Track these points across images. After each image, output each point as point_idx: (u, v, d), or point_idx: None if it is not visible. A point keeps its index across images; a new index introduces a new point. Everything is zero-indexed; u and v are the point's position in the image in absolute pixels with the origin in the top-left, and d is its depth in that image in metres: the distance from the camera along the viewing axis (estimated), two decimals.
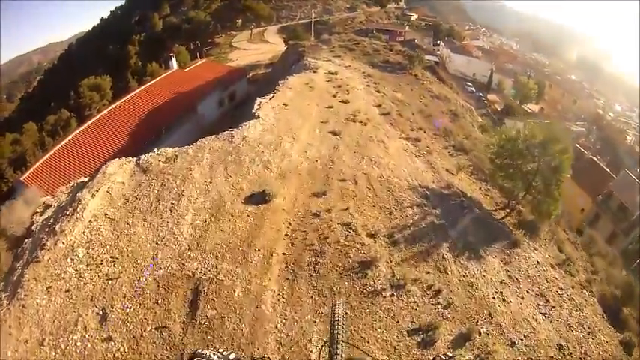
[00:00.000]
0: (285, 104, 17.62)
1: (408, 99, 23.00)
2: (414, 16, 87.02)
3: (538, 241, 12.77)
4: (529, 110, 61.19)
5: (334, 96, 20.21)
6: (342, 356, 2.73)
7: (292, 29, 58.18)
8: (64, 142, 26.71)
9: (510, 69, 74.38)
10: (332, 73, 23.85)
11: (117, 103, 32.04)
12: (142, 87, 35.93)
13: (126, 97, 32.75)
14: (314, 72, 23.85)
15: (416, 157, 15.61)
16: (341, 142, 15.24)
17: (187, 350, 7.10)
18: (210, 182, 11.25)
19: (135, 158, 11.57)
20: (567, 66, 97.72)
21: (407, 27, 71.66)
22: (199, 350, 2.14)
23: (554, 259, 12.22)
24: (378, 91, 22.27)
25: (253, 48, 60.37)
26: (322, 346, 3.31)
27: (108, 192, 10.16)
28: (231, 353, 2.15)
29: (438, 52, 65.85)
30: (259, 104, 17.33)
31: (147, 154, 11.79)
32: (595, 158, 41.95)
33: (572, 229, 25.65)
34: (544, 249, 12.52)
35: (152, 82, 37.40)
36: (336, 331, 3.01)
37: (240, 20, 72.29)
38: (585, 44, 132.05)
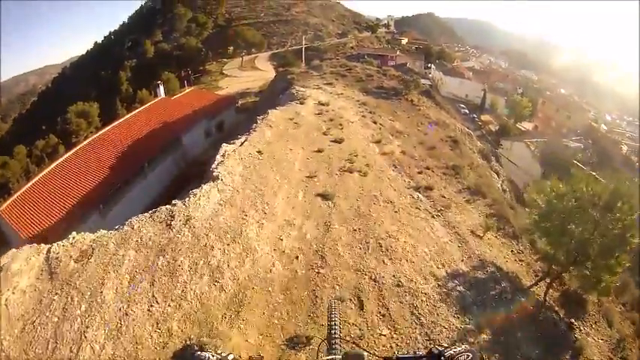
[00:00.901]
0: (259, 152, 13.52)
1: (406, 128, 20.54)
2: (405, 40, 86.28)
3: (587, 318, 9.94)
4: (523, 129, 59.33)
5: (325, 134, 16.68)
6: (340, 351, 2.51)
7: (283, 56, 56.60)
8: (44, 173, 24.84)
9: (501, 88, 73.09)
10: (322, 104, 20.69)
11: (100, 132, 30.18)
12: (126, 116, 34.23)
13: (109, 127, 30.91)
14: (301, 103, 20.51)
15: (433, 216, 12.06)
16: (335, 213, 11.00)
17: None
18: (126, 314, 6.95)
19: (46, 247, 8.04)
20: (557, 80, 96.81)
21: (398, 51, 70.42)
22: (197, 353, 1.79)
23: (608, 343, 9.43)
24: (375, 122, 19.45)
25: (244, 75, 58.60)
26: (320, 343, 2.98)
27: (5, 305, 6.74)
28: (229, 354, 1.88)
29: (430, 75, 64.42)
30: (224, 155, 12.71)
31: (59, 244, 8.14)
32: (595, 174, 39.74)
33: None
34: (595, 329, 9.72)
35: (137, 111, 35.83)
36: (333, 329, 2.82)
37: (231, 47, 70.71)
38: (573, 57, 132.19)
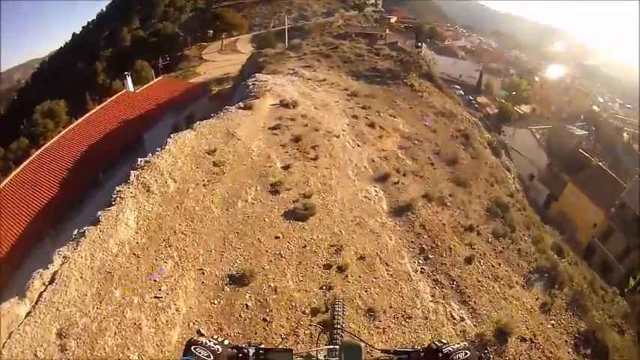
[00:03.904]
0: None
1: (412, 127, 14.83)
2: (393, 19, 79.02)
3: None
4: (521, 112, 53.62)
5: (274, 189, 8.48)
6: (341, 340, 2.59)
7: (264, 37, 50.07)
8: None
9: (495, 68, 66.95)
10: (287, 105, 12.10)
11: (52, 140, 26.63)
12: (84, 116, 29.17)
13: (63, 132, 27.54)
14: (247, 108, 11.58)
15: None
16: None
17: None
18: None
19: None
20: (548, 61, 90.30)
21: (387, 30, 63.74)
22: (195, 338, 1.75)
23: None
24: (372, 125, 12.96)
25: (224, 59, 52.05)
26: (320, 333, 3.22)
27: None
28: (225, 339, 1.83)
29: (422, 54, 58.08)
30: None
31: None
32: (601, 164, 34.79)
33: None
34: None
35: (94, 109, 30.55)
36: (336, 321, 2.91)
37: (211, 31, 63.52)
38: (565, 40, 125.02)
